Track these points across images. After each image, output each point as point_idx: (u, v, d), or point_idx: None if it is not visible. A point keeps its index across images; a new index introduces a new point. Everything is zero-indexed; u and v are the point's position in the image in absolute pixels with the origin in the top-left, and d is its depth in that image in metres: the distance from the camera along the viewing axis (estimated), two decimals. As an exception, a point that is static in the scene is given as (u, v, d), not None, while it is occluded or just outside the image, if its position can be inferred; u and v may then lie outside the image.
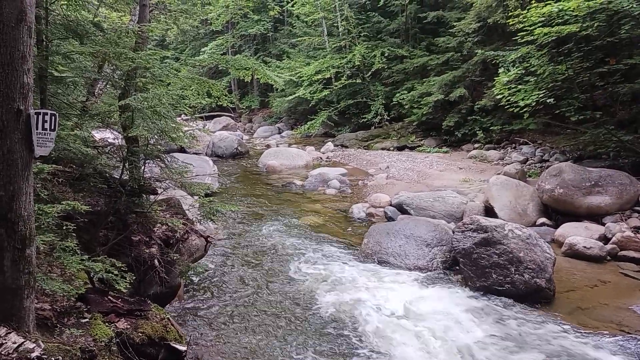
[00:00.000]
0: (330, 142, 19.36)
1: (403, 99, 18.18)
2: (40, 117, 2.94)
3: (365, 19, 22.13)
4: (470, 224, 6.57)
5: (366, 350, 4.80)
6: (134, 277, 3.85)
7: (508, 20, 11.34)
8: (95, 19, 6.21)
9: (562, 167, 8.74)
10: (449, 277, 6.58)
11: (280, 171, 14.54)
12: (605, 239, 7.35)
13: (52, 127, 3.02)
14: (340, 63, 20.88)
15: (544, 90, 10.82)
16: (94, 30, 4.99)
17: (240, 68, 7.89)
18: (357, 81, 20.74)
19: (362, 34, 21.64)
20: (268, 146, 19.87)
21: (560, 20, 9.79)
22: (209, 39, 31.12)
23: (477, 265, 6.20)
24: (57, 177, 4.15)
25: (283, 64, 23.96)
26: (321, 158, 16.90)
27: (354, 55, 20.41)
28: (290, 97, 22.12)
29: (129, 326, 3.53)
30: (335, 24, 22.34)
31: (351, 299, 5.83)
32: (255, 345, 4.86)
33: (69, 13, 4.93)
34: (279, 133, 24.47)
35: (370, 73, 20.26)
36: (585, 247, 7.06)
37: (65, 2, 4.90)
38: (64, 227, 3.46)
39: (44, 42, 4.38)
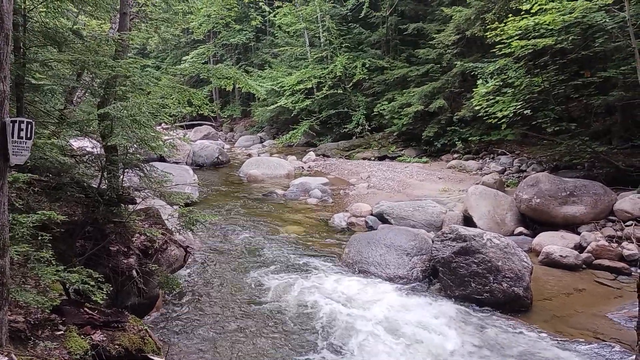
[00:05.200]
0: (312, 152, 19.40)
1: (384, 109, 18.35)
2: (17, 125, 2.91)
3: (346, 30, 22.35)
4: (450, 233, 6.63)
5: (344, 359, 4.80)
6: (111, 288, 3.79)
7: (486, 33, 11.57)
8: (75, 27, 6.16)
9: (539, 177, 8.91)
10: (429, 286, 6.62)
11: (261, 180, 14.50)
12: (580, 248, 7.50)
13: (29, 136, 2.98)
14: (322, 73, 21.01)
15: (521, 102, 11.04)
16: (73, 38, 4.95)
17: (221, 77, 7.89)
18: (339, 91, 20.88)
19: (343, 45, 21.84)
20: (249, 155, 19.82)
21: (536, 34, 10.03)
22: (191, 47, 31.00)
23: (456, 274, 6.26)
24: (32, 187, 4.08)
25: (265, 73, 24.00)
26: (303, 167, 16.91)
27: (335, 65, 20.58)
28: (272, 107, 22.13)
29: (105, 338, 3.47)
30: (317, 35, 22.52)
31: (331, 309, 5.82)
32: (234, 355, 4.82)
33: (48, 20, 4.87)
34: (261, 142, 24.43)
35: (351, 83, 20.44)
36: (561, 256, 7.19)
37: (44, 10, 4.85)
38: (39, 238, 3.39)
39: (22, 50, 4.32)
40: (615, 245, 7.38)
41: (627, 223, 7.90)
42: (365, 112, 19.93)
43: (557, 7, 9.41)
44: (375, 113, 19.10)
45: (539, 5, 9.67)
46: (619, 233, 7.78)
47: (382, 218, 9.62)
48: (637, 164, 9.50)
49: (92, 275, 3.53)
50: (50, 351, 3.04)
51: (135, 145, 5.12)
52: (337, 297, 6.16)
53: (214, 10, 22.75)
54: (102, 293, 3.53)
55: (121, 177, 5.10)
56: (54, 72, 5.14)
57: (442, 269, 6.47)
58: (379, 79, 19.81)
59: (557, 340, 5.15)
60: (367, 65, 20.18)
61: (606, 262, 7.07)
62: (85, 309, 3.73)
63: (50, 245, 3.44)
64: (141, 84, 5.36)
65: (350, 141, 19.85)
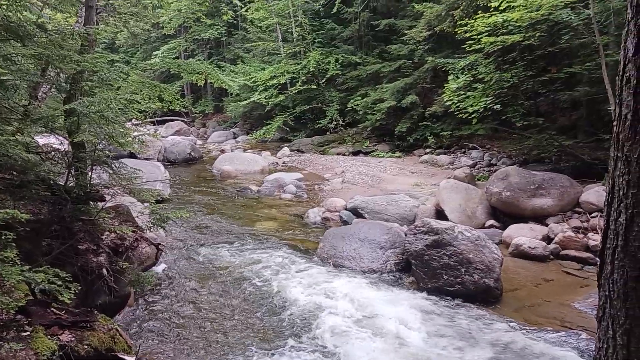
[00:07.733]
0: (286, 147, 19.32)
1: (357, 105, 18.41)
2: (-24, 121, 2.82)
3: (319, 26, 22.30)
4: (422, 227, 6.71)
5: (318, 351, 4.81)
6: (80, 287, 3.70)
7: (456, 29, 11.72)
8: (39, 20, 5.97)
9: (508, 170, 9.09)
10: (402, 279, 6.70)
11: (235, 176, 14.37)
12: (548, 239, 7.69)
13: (-11, 132, 2.89)
14: (295, 69, 20.91)
15: (491, 97, 11.24)
16: (37, 31, 4.80)
17: (192, 72, 7.78)
18: (312, 87, 20.83)
19: (316, 41, 21.79)
20: (223, 151, 19.62)
21: (504, 30, 10.22)
22: (161, 42, 30.42)
23: (428, 266, 6.34)
24: (-5, 185, 3.96)
25: (237, 68, 23.74)
26: (277, 163, 16.84)
27: (308, 61, 20.51)
28: (245, 102, 21.92)
29: (73, 338, 3.40)
30: (290, 30, 22.40)
31: (305, 302, 5.83)
32: (207, 351, 4.78)
33: (10, 14, 4.71)
34: (234, 138, 24.19)
35: (325, 79, 20.41)
36: (530, 247, 7.37)
37: (5, 3, 4.69)
38: (3, 237, 3.30)
39: (-18, 44, 4.18)
40: (581, 236, 7.60)
41: (593, 214, 8.13)
42: (339, 107, 19.94)
43: (524, 4, 9.60)
44: (349, 108, 19.13)
45: (507, 2, 9.84)
46: (585, 224, 8.00)
47: (356, 212, 9.66)
48: (602, 157, 9.78)
49: (59, 274, 3.44)
50: (16, 352, 2.96)
51: (103, 142, 5.01)
52: (312, 290, 6.16)
53: (185, 5, 22.45)
54: (70, 293, 3.45)
55: (89, 174, 4.99)
56: (18, 66, 4.97)
57: (414, 262, 6.55)
58: (352, 75, 19.84)
59: (526, 329, 5.29)
60: (340, 61, 20.18)
61: (573, 253, 7.27)
62: (52, 309, 3.64)
63: (14, 244, 3.34)
64: (109, 79, 5.25)
65: (325, 136, 19.85)
